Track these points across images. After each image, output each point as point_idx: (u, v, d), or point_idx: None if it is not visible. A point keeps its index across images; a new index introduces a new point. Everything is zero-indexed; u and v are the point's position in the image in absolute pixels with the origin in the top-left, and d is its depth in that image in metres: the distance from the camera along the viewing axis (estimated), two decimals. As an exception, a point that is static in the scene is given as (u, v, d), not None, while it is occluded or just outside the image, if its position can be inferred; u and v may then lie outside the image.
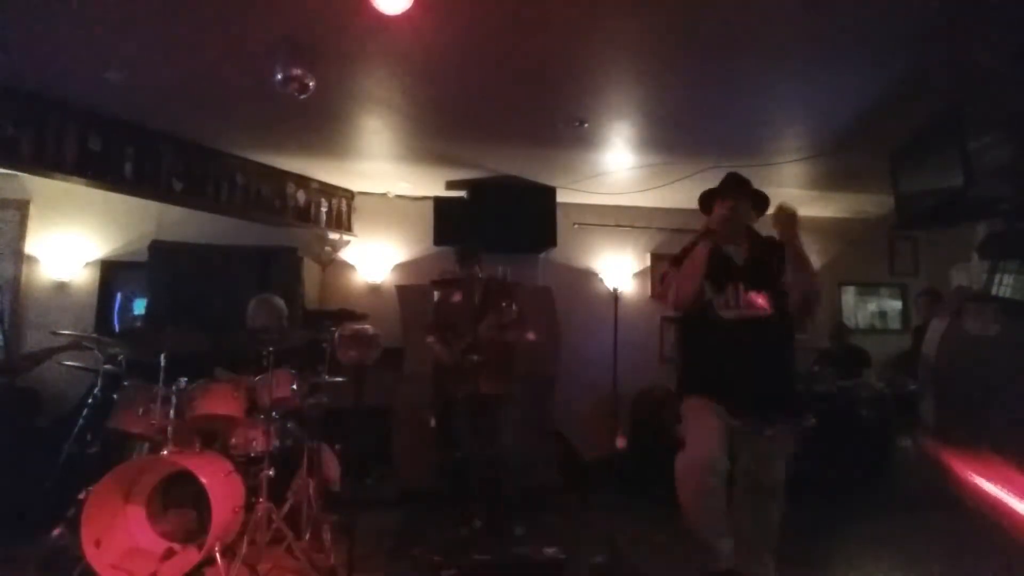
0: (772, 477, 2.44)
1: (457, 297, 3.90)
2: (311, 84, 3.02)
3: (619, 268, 5.69)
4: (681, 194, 5.04)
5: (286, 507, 3.26)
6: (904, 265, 6.42)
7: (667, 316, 5.43)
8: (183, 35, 2.88)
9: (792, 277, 2.42)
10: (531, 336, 3.75)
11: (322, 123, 3.92)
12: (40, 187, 4.66)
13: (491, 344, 3.54)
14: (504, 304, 3.45)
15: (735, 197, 2.57)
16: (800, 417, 2.63)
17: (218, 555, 2.82)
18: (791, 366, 2.61)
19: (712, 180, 4.97)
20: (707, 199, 2.68)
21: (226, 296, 4.63)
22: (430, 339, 3.93)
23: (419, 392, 4.66)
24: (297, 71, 2.96)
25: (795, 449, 2.55)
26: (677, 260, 2.60)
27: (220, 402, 3.23)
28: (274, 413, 3.25)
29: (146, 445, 3.21)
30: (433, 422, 4.20)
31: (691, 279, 2.46)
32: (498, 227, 5.01)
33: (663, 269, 2.74)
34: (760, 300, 2.44)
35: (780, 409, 2.47)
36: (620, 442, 5.00)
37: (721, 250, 2.51)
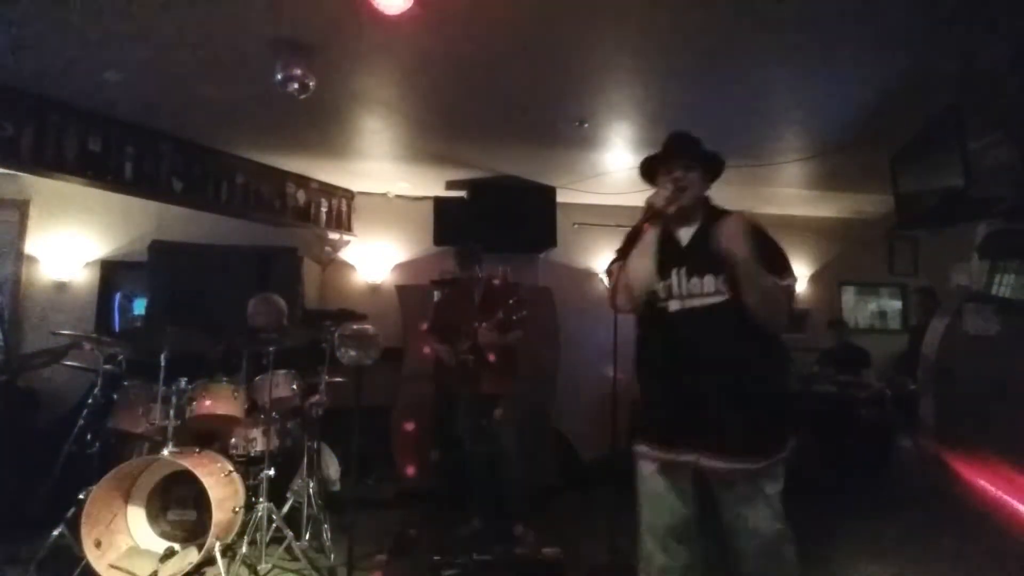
0: (754, 530, 1.87)
1: (457, 298, 3.90)
2: (311, 84, 3.02)
3: (619, 268, 5.67)
4: (681, 194, 5.03)
5: (286, 507, 3.26)
6: (904, 265, 6.42)
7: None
8: (184, 35, 2.88)
9: (747, 299, 1.86)
10: (521, 334, 3.71)
11: (322, 123, 3.91)
12: (40, 187, 4.66)
13: (492, 345, 3.54)
14: (512, 302, 3.43)
15: (684, 166, 2.04)
16: (778, 444, 1.92)
17: (218, 555, 2.82)
18: (765, 367, 1.96)
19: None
20: (649, 166, 2.17)
21: (226, 296, 4.63)
22: (431, 344, 3.93)
23: (419, 392, 4.67)
24: (297, 71, 2.96)
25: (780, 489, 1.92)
26: (624, 251, 2.09)
27: (220, 402, 3.23)
28: (274, 413, 3.26)
29: (146, 445, 3.22)
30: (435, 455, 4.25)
31: (639, 273, 1.97)
32: (498, 227, 5.01)
33: (610, 266, 2.17)
34: (708, 284, 1.93)
35: (744, 434, 1.86)
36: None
37: (669, 230, 2.03)
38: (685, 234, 2.05)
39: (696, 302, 1.95)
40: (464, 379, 3.63)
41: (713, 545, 2.01)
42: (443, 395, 4.21)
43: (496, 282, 3.93)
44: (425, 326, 4.03)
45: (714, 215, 2.02)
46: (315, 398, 3.44)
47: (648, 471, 2.00)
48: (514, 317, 3.41)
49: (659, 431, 2.00)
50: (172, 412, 3.08)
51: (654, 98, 3.61)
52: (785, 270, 1.95)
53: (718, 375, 1.89)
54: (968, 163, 3.09)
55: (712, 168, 2.12)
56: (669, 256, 1.99)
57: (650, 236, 1.96)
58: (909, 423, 4.34)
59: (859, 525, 3.78)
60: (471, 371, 3.59)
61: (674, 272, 1.98)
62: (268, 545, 3.05)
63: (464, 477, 3.83)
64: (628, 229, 2.07)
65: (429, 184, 5.26)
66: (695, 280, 1.95)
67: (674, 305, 1.97)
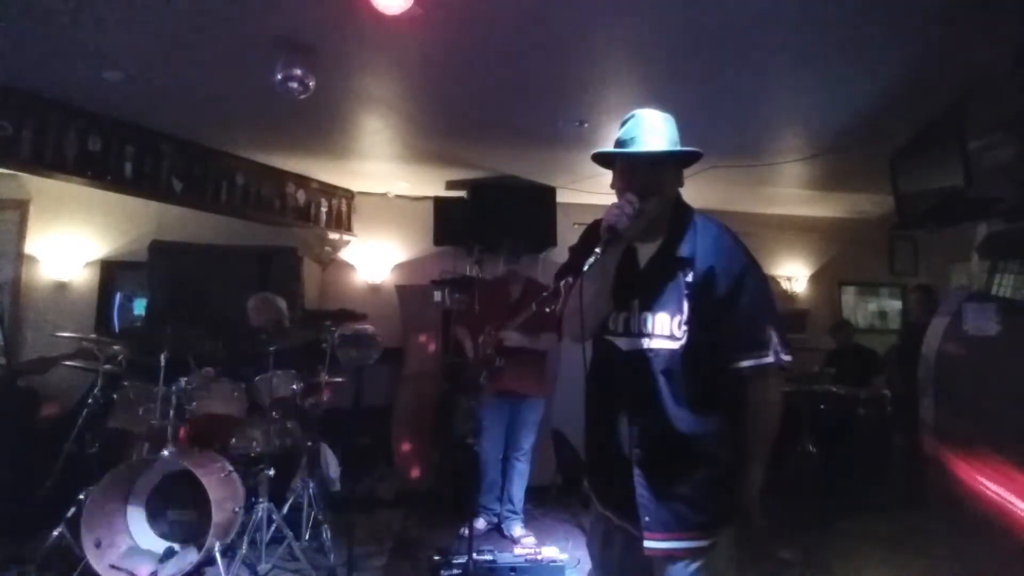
0: None
1: (495, 295, 3.82)
2: (311, 84, 3.02)
3: (619, 268, 5.67)
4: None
5: (286, 507, 3.26)
6: (904, 265, 6.42)
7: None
8: (183, 35, 2.88)
9: None
10: (555, 336, 3.65)
11: (322, 123, 3.91)
12: (40, 187, 4.65)
13: (519, 349, 3.51)
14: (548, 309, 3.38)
15: (647, 174, 1.55)
16: (716, 522, 1.53)
17: (218, 555, 2.82)
18: (717, 438, 1.53)
19: (711, 180, 4.94)
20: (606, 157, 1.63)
21: (226, 296, 4.63)
22: (460, 329, 3.89)
23: (419, 392, 4.67)
24: (297, 71, 2.96)
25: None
26: (575, 262, 1.62)
27: (220, 402, 3.23)
28: (274, 413, 3.26)
29: (146, 445, 3.22)
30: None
31: (592, 302, 1.52)
32: (498, 227, 5.01)
33: (555, 285, 1.73)
34: (661, 325, 1.54)
35: (682, 503, 1.49)
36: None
37: (630, 244, 1.60)
38: (644, 252, 1.61)
39: (645, 343, 1.55)
40: (490, 378, 3.58)
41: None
42: (455, 393, 4.18)
43: (533, 282, 3.86)
44: (457, 319, 3.96)
45: (680, 223, 1.61)
46: (315, 398, 3.45)
47: (595, 512, 1.77)
48: (545, 321, 3.37)
49: (597, 485, 1.74)
50: (172, 412, 3.08)
51: (654, 98, 3.59)
52: (770, 339, 1.51)
53: (662, 439, 1.52)
54: (968, 163, 3.09)
55: (686, 161, 1.65)
56: (626, 280, 1.58)
57: (610, 258, 1.52)
58: (909, 423, 4.34)
59: (859, 525, 3.78)
60: (498, 370, 3.54)
61: (626, 301, 1.59)
62: (268, 545, 3.04)
63: (464, 477, 3.82)
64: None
65: (429, 184, 5.26)
66: (646, 315, 1.55)
67: (623, 343, 1.59)
